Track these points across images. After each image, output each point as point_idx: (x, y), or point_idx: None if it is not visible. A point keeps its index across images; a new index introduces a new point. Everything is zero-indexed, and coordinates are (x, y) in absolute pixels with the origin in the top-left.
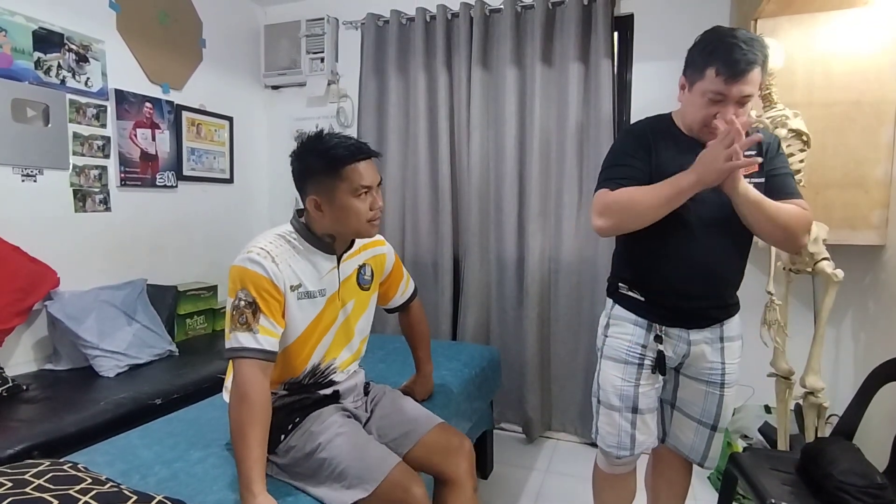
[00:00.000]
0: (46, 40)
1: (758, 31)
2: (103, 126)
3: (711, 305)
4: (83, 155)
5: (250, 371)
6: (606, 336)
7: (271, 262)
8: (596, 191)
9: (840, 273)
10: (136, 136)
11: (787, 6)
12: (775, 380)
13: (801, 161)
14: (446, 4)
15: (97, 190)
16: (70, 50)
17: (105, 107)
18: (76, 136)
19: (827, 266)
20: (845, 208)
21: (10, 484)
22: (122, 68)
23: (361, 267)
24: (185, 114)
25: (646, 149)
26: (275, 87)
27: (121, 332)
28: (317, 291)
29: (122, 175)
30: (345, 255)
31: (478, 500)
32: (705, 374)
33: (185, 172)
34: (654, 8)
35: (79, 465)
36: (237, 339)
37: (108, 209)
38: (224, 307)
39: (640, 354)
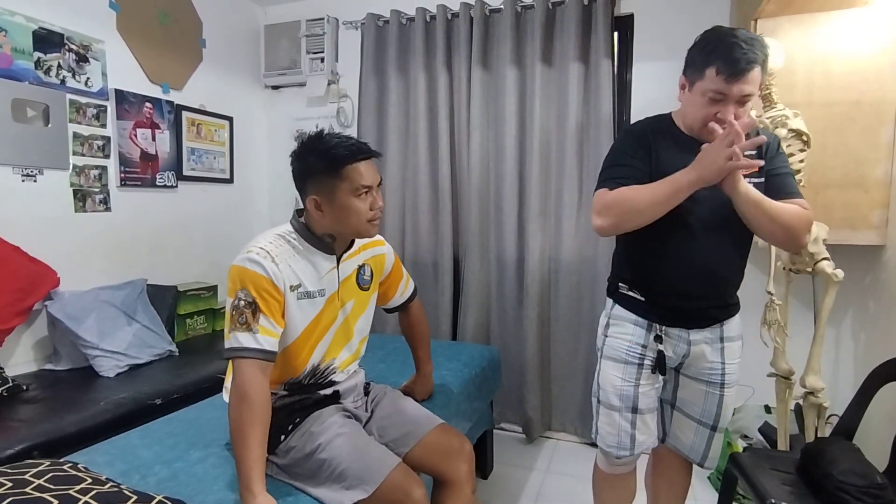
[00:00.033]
0: (46, 40)
1: (758, 31)
2: (103, 126)
3: (711, 305)
4: (83, 155)
5: (250, 371)
6: (606, 336)
7: (271, 262)
8: (596, 190)
9: (840, 273)
10: (136, 136)
11: (787, 6)
12: (775, 380)
13: (801, 161)
14: (446, 4)
15: (97, 190)
16: (70, 50)
17: (105, 107)
18: (76, 136)
19: (827, 266)
20: (845, 208)
21: (10, 484)
22: (122, 68)
23: (361, 267)
24: (185, 114)
25: (646, 149)
26: (275, 87)
27: (121, 332)
28: (316, 291)
29: (122, 175)
30: (344, 256)
31: (476, 502)
32: (705, 374)
33: (185, 172)
34: (654, 8)
35: (79, 465)
36: (237, 338)
37: (108, 209)
38: (224, 307)
39: (640, 354)
